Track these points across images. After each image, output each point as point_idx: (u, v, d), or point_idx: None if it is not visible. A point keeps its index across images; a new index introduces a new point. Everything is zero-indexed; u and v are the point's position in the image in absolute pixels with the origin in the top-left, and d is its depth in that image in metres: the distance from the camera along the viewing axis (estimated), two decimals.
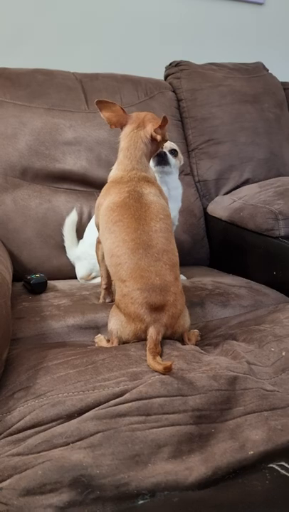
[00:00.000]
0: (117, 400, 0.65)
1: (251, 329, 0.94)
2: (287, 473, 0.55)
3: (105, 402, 0.65)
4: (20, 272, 1.35)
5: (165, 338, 0.84)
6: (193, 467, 0.59)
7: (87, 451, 0.58)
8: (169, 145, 1.27)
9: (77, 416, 0.64)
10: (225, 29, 2.22)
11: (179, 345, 0.85)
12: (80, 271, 1.37)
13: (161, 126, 1.00)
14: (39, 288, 1.20)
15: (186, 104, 1.77)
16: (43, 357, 0.78)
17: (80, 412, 0.64)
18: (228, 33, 2.23)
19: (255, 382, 0.74)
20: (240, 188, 1.65)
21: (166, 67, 1.94)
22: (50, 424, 0.63)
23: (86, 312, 1.02)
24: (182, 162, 1.34)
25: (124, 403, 0.65)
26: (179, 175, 1.68)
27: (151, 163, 1.24)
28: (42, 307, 1.06)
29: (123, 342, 0.86)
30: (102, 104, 1.02)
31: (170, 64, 1.91)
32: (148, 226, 0.89)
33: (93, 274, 1.34)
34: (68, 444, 0.60)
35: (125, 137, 1.02)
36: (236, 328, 0.97)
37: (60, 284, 1.30)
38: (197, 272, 1.47)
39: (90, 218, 1.47)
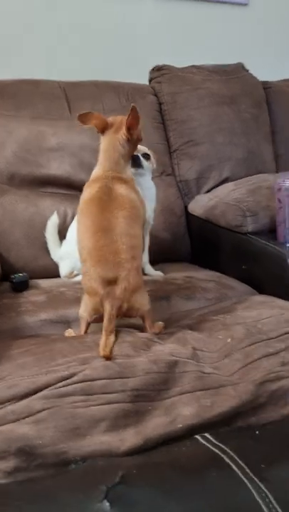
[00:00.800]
0: (64, 382, 0.74)
1: (207, 319, 1.02)
2: (205, 443, 0.63)
3: (54, 384, 0.74)
4: (8, 272, 1.45)
5: (123, 314, 0.92)
6: (127, 438, 0.68)
7: (32, 425, 0.68)
8: (142, 149, 1.35)
9: (29, 396, 0.73)
10: (210, 30, 2.28)
11: (136, 333, 0.93)
12: (63, 269, 1.46)
13: (132, 122, 1.05)
14: (21, 286, 1.30)
15: (166, 107, 1.84)
16: (8, 346, 0.88)
17: (32, 393, 0.73)
18: (213, 34, 2.29)
19: (196, 365, 0.82)
20: (219, 187, 1.72)
21: (149, 72, 2.02)
22: (6, 404, 0.72)
23: (58, 308, 1.11)
24: (154, 166, 1.42)
25: (70, 385, 0.73)
26: (160, 175, 1.78)
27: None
28: (19, 303, 1.16)
29: (88, 321, 0.95)
30: (85, 117, 1.09)
31: (153, 68, 1.98)
32: (111, 213, 0.97)
33: (75, 272, 1.43)
34: (18, 419, 0.69)
35: (105, 140, 1.09)
36: (195, 319, 1.05)
37: (43, 282, 1.40)
38: (175, 268, 1.54)
39: (73, 220, 1.56)
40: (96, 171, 1.08)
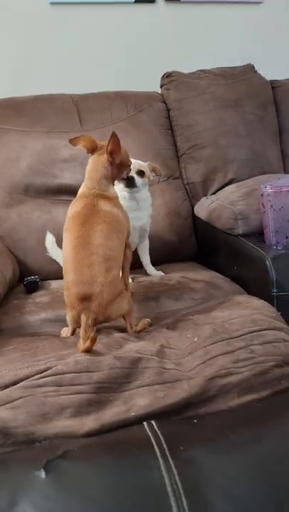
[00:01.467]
0: (40, 374, 0.87)
1: (182, 319, 1.12)
2: (146, 428, 0.73)
3: (32, 376, 0.88)
4: (25, 275, 1.61)
5: (102, 322, 1.04)
6: (86, 423, 0.80)
7: (9, 410, 0.81)
8: (137, 166, 1.44)
9: (10, 386, 0.87)
10: (222, 31, 2.32)
11: (114, 333, 1.05)
12: None
13: (113, 147, 1.14)
14: (31, 287, 1.46)
15: (173, 113, 1.93)
16: (3, 344, 1.03)
17: (13, 384, 0.87)
18: (227, 35, 2.33)
19: (158, 362, 0.92)
20: (223, 189, 1.79)
21: (161, 79, 2.11)
22: None
23: (57, 308, 1.25)
24: (152, 178, 1.50)
25: (44, 377, 0.87)
26: (168, 179, 1.87)
27: (122, 185, 1.42)
28: (25, 304, 1.31)
29: (72, 328, 1.08)
30: (75, 140, 1.21)
31: (163, 75, 2.07)
32: (91, 227, 1.07)
33: None
34: (0, 406, 0.83)
35: (90, 161, 1.20)
36: (173, 319, 1.15)
37: (54, 284, 1.54)
38: (178, 268, 1.64)
39: None
40: (81, 189, 1.18)
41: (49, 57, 2.15)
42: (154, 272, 1.56)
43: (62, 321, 1.22)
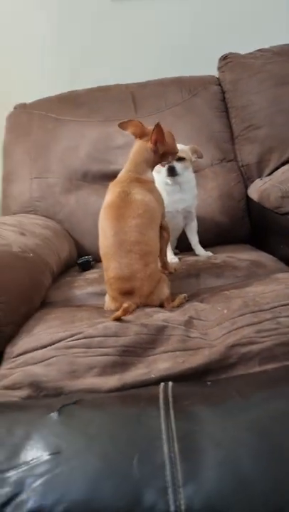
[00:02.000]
0: (73, 337, 0.95)
1: (218, 293, 1.13)
2: (162, 387, 0.77)
3: (66, 339, 0.96)
4: (82, 255, 1.72)
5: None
6: (109, 381, 0.86)
7: (43, 367, 0.90)
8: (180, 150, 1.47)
9: (47, 347, 0.95)
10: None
11: (146, 309, 1.10)
12: None
13: (157, 137, 1.19)
14: (84, 266, 1.55)
15: (228, 95, 1.92)
16: (48, 313, 1.13)
17: (49, 345, 0.96)
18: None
19: (184, 331, 0.95)
20: (278, 170, 1.74)
21: (218, 62, 2.09)
22: (31, 352, 0.96)
23: (102, 283, 1.32)
24: (193, 159, 1.53)
25: (76, 340, 0.94)
26: (221, 162, 1.87)
27: (164, 174, 1.46)
28: (75, 280, 1.40)
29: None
30: (124, 125, 1.27)
31: (220, 58, 2.05)
32: (125, 223, 1.12)
33: None
34: (36, 363, 0.92)
35: (136, 145, 1.26)
36: (209, 293, 1.17)
37: None
38: (228, 249, 1.63)
39: None
40: (121, 172, 1.25)
41: (110, 49, 2.23)
42: (202, 252, 1.58)
43: (106, 295, 1.30)
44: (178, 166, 1.45)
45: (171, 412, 0.66)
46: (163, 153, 1.25)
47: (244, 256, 1.46)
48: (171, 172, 1.45)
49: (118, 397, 0.77)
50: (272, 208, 1.46)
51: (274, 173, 1.73)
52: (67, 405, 0.71)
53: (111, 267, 1.12)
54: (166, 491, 0.56)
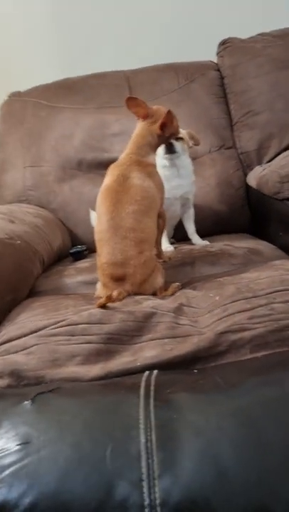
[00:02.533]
0: (56, 325, 0.91)
1: (211, 281, 1.09)
2: (146, 375, 0.73)
3: (49, 327, 0.91)
4: (76, 245, 1.68)
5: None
6: (93, 370, 0.82)
7: (24, 355, 0.86)
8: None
9: (30, 335, 0.91)
10: None
11: (136, 296, 1.05)
12: None
13: (166, 122, 1.16)
14: (77, 256, 1.51)
15: (227, 80, 1.86)
16: (35, 301, 1.09)
17: (32, 333, 0.92)
18: None
19: (173, 318, 0.91)
20: (278, 156, 1.69)
21: (217, 47, 2.04)
22: (14, 340, 0.92)
23: (93, 272, 1.28)
24: (190, 145, 1.48)
25: (59, 327, 0.90)
26: (219, 149, 1.82)
27: (161, 152, 1.42)
28: (66, 269, 1.36)
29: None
30: (130, 101, 1.21)
31: (219, 43, 2.00)
32: (122, 209, 1.07)
33: None
34: (17, 352, 0.88)
35: (140, 127, 1.20)
36: (203, 280, 1.12)
37: None
38: (226, 238, 1.58)
39: None
40: (122, 154, 1.19)
41: (106, 35, 2.18)
42: (199, 241, 1.53)
43: (96, 283, 1.26)
44: (176, 144, 1.41)
45: (151, 400, 0.62)
46: (167, 137, 1.22)
47: (241, 244, 1.42)
48: (170, 149, 1.40)
49: (98, 386, 0.72)
50: (271, 193, 1.41)
51: (274, 160, 1.68)
52: (43, 393, 0.67)
53: (104, 252, 1.07)
54: (141, 483, 0.52)
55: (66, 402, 0.65)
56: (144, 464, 0.53)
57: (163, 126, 1.16)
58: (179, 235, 1.63)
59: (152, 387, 0.66)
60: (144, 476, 0.52)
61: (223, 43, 1.95)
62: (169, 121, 1.15)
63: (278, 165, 1.49)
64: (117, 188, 1.11)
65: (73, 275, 1.30)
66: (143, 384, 0.68)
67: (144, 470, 0.52)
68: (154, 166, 1.20)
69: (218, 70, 1.91)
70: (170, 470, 0.52)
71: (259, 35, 1.94)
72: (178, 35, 2.18)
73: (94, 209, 1.73)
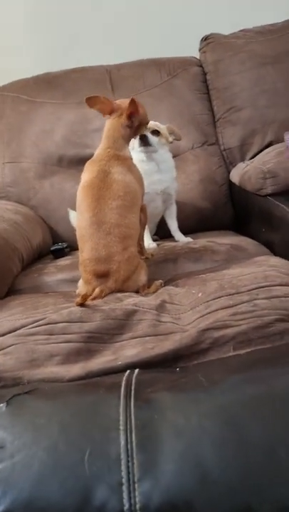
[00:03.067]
0: (34, 324, 0.88)
1: (194, 277, 1.07)
2: (127, 374, 0.71)
3: (27, 326, 0.89)
4: (58, 243, 1.64)
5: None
6: (72, 370, 0.79)
7: (0, 356, 0.83)
8: (153, 125, 1.41)
9: (6, 334, 0.88)
10: None
11: (118, 293, 1.03)
12: None
13: (132, 111, 1.14)
14: (57, 254, 1.48)
15: (210, 76, 1.85)
16: (13, 300, 1.05)
17: (9, 332, 0.89)
18: None
19: (155, 315, 0.89)
20: (261, 152, 1.68)
21: (200, 43, 2.02)
22: None
23: (74, 269, 1.26)
24: (170, 140, 1.46)
25: (38, 326, 0.87)
26: (202, 145, 1.80)
27: (136, 145, 1.40)
28: (46, 267, 1.33)
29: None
30: (91, 100, 1.18)
31: (201, 39, 1.99)
32: (105, 204, 1.05)
33: None
34: None
35: (108, 123, 1.18)
36: (185, 277, 1.10)
37: None
38: (210, 235, 1.57)
39: None
40: (98, 150, 1.17)
41: (88, 30, 2.15)
42: (181, 238, 1.52)
43: (77, 281, 1.23)
44: (151, 136, 1.39)
45: (132, 400, 0.60)
46: (137, 126, 1.19)
47: (224, 240, 1.40)
48: (144, 141, 1.37)
49: (77, 386, 0.70)
50: (254, 190, 1.40)
51: (257, 156, 1.67)
52: (19, 395, 0.64)
53: (87, 247, 1.04)
54: (121, 487, 0.50)
55: (42, 403, 0.62)
56: (123, 467, 0.51)
57: (130, 116, 1.13)
58: (162, 233, 1.61)
59: (133, 387, 0.64)
60: (124, 480, 0.50)
61: (206, 38, 1.94)
62: (134, 109, 1.12)
63: (261, 161, 1.48)
64: (98, 184, 1.09)
65: (53, 273, 1.27)
66: (123, 383, 0.65)
67: (123, 473, 0.50)
68: (131, 159, 1.18)
69: (201, 66, 1.90)
70: (150, 473, 0.50)
71: (241, 31, 1.93)
72: (160, 30, 2.15)
73: (73, 207, 1.70)
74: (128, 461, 0.51)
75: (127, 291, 1.04)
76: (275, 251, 1.26)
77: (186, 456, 0.51)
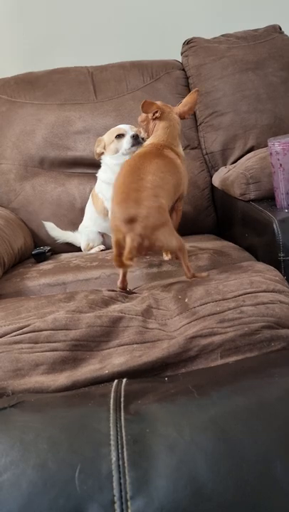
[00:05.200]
0: (18, 331, 0.86)
1: (180, 282, 1.06)
2: (114, 385, 0.70)
3: (10, 333, 0.86)
4: (39, 246, 1.61)
5: (148, 249, 1.01)
6: (58, 380, 0.77)
7: None
8: (131, 128, 1.42)
9: None
10: None
11: (103, 292, 1.01)
12: (82, 243, 1.59)
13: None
14: (39, 258, 1.45)
15: (192, 80, 1.85)
16: None
17: None
18: None
19: (141, 321, 0.88)
20: (242, 158, 1.69)
21: (182, 46, 2.02)
22: None
23: (57, 274, 1.24)
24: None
25: (22, 334, 0.85)
26: (184, 149, 1.79)
27: (128, 145, 1.39)
28: (28, 271, 1.30)
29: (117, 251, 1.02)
30: (147, 106, 1.23)
31: (184, 42, 1.99)
32: (148, 160, 1.09)
33: (91, 245, 1.55)
34: None
35: (168, 121, 1.22)
36: (172, 282, 1.10)
37: (64, 255, 1.53)
38: (192, 239, 1.57)
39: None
40: (149, 141, 1.21)
41: (70, 30, 2.12)
42: None
43: (60, 285, 1.21)
44: (140, 135, 1.39)
45: (122, 413, 0.58)
46: None
47: (207, 245, 1.40)
48: (136, 139, 1.38)
49: (65, 397, 0.68)
50: (237, 195, 1.40)
51: (238, 161, 1.68)
52: (4, 409, 0.62)
53: (117, 192, 1.03)
54: (113, 505, 0.48)
55: (29, 418, 0.60)
56: (115, 484, 0.50)
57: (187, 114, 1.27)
58: None
59: (122, 399, 0.63)
60: (116, 498, 0.48)
61: (188, 42, 1.94)
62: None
63: (243, 166, 1.49)
64: (150, 151, 1.15)
65: (35, 277, 1.24)
66: (112, 395, 0.64)
67: (115, 491, 0.49)
68: (184, 158, 1.25)
69: (183, 70, 1.90)
70: (143, 490, 0.49)
71: (223, 36, 1.94)
72: (142, 32, 2.15)
73: (55, 210, 1.68)
74: (120, 478, 0.50)
75: (155, 246, 1.01)
76: (258, 256, 1.27)
77: (180, 472, 0.50)
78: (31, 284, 1.22)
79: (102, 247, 1.56)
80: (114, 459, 0.52)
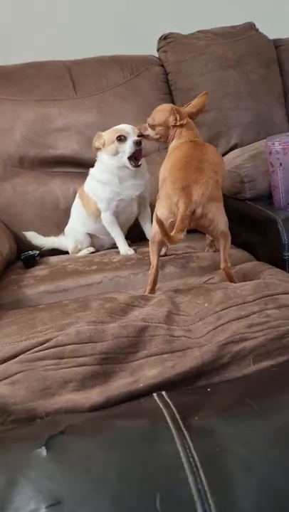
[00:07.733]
0: (39, 347, 0.81)
1: (195, 285, 1.05)
2: (156, 399, 0.67)
3: (31, 349, 0.81)
4: (24, 250, 1.54)
5: (196, 222, 1.03)
6: (91, 397, 0.74)
7: (8, 386, 0.75)
8: (134, 131, 1.38)
9: (8, 360, 0.80)
10: None
11: (117, 298, 0.98)
12: (69, 246, 1.53)
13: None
14: (29, 262, 1.39)
15: (172, 77, 1.83)
16: (1, 317, 0.96)
17: (11, 357, 0.81)
18: None
19: (166, 329, 0.86)
20: (227, 155, 1.70)
21: (158, 41, 1.99)
22: None
23: (55, 280, 1.19)
24: None
25: (44, 350, 0.80)
26: (166, 148, 1.78)
27: (128, 151, 1.35)
28: (23, 278, 1.24)
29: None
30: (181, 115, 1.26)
31: (160, 37, 1.96)
32: (203, 152, 1.14)
33: (79, 247, 1.50)
34: None
35: (191, 123, 1.27)
36: (186, 285, 1.08)
37: (53, 258, 1.48)
38: (187, 238, 1.56)
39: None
40: (183, 139, 1.21)
41: (43, 21, 2.03)
42: None
43: (61, 292, 1.17)
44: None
45: (185, 431, 0.56)
46: None
47: (201, 246, 1.39)
48: (139, 145, 1.36)
49: (110, 418, 0.65)
50: (231, 194, 1.40)
51: (224, 158, 1.68)
52: (55, 436, 0.58)
53: (179, 162, 1.09)
54: None
55: (85, 444, 0.57)
56: (199, 511, 0.47)
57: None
58: (132, 236, 1.57)
59: (177, 415, 0.60)
60: None
61: (165, 37, 1.91)
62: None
63: (232, 165, 1.49)
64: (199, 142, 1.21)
65: (34, 285, 1.18)
66: (165, 411, 0.62)
67: None
68: None
69: (162, 66, 1.87)
70: None
71: (199, 32, 1.92)
72: (116, 24, 2.09)
73: (38, 212, 1.61)
74: (203, 504, 0.48)
75: (206, 219, 1.03)
76: (256, 255, 1.28)
77: (263, 492, 0.49)
78: (30, 292, 1.16)
79: (91, 249, 1.51)
80: (192, 483, 0.50)
